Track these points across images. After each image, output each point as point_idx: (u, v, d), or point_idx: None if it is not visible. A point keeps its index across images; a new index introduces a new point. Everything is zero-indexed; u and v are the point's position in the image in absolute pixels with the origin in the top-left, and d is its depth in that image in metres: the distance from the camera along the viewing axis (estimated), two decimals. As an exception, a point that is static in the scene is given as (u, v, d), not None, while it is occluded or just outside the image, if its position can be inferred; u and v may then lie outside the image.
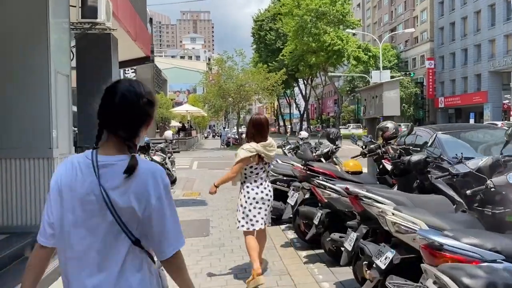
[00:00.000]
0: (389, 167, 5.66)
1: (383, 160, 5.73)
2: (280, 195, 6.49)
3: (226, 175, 4.28)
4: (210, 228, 6.65)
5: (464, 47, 48.07)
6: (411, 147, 5.06)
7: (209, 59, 38.76)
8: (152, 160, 7.62)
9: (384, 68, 41.81)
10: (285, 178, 6.49)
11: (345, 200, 4.32)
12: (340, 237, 4.18)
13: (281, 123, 78.98)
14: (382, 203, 3.31)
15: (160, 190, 1.52)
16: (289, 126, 76.14)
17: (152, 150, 11.55)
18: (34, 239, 1.61)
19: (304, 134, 11.01)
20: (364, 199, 3.51)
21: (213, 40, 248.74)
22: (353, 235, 3.60)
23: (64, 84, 5.75)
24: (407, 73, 53.48)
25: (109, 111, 1.55)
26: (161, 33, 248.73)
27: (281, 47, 52.69)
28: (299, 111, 70.37)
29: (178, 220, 1.59)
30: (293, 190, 5.37)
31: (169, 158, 11.53)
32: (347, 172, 5.17)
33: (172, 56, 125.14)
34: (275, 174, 6.57)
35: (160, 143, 12.25)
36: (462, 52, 48.76)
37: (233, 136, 33.55)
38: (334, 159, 6.45)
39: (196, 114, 37.90)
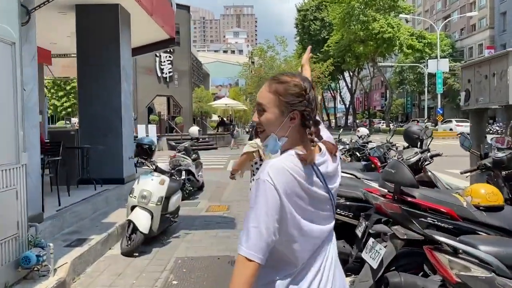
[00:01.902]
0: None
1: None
2: (341, 229, 4.16)
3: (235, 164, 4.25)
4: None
5: (531, 33, 43.27)
6: None
7: (251, 53, 36.07)
8: (156, 168, 5.49)
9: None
10: (348, 203, 4.15)
11: (505, 284, 1.97)
12: None
13: (325, 117, 76.14)
14: None
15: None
16: (333, 120, 73.22)
17: (177, 149, 9.53)
18: None
19: (363, 131, 8.60)
20: None
21: (256, 34, 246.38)
22: None
23: (5, 55, 3.69)
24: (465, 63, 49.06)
25: (311, 107, 1.48)
26: (205, 28, 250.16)
27: (326, 37, 49.82)
28: (344, 105, 67.12)
29: None
30: (374, 238, 2.99)
31: (194, 160, 9.45)
32: (478, 207, 2.79)
33: (215, 51, 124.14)
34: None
35: (188, 139, 10.20)
36: (528, 39, 43.93)
37: (274, 131, 31.28)
38: (430, 174, 4.06)
39: (237, 108, 35.90)
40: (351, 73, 58.94)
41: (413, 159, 4.14)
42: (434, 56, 38.54)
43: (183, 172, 8.71)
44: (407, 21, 45.34)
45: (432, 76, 40.03)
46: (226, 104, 30.70)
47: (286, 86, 1.46)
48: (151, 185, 5.30)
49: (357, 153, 8.06)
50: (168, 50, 28.00)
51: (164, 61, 28.08)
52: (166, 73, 28.11)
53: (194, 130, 9.84)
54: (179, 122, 28.47)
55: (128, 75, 8.58)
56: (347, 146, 8.73)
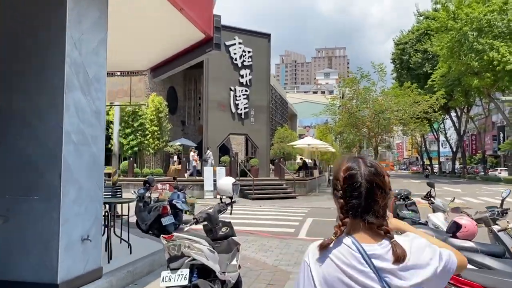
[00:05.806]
0: None
1: None
2: None
3: None
4: None
5: None
6: None
7: (340, 85, 30.80)
8: None
9: None
10: None
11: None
12: None
13: (427, 162, 67.94)
14: None
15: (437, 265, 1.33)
16: (436, 165, 65.03)
17: (194, 218, 5.28)
18: None
19: None
20: None
21: (348, 76, 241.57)
22: None
23: None
24: None
25: (345, 199, 1.38)
26: (296, 71, 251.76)
27: (429, 71, 43.63)
28: (451, 148, 58.78)
29: None
30: None
31: (223, 238, 5.10)
32: None
33: (305, 92, 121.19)
34: None
35: (226, 200, 5.83)
36: None
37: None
38: None
39: (322, 149, 31.24)
40: (458, 112, 51.36)
41: None
42: None
43: (185, 273, 4.40)
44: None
45: None
46: (309, 144, 26.24)
47: (335, 167, 1.45)
48: None
49: None
50: (245, 83, 24.73)
51: (240, 96, 24.74)
52: (241, 109, 24.68)
53: (227, 183, 5.51)
54: (254, 164, 24.55)
55: (97, 79, 4.65)
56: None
